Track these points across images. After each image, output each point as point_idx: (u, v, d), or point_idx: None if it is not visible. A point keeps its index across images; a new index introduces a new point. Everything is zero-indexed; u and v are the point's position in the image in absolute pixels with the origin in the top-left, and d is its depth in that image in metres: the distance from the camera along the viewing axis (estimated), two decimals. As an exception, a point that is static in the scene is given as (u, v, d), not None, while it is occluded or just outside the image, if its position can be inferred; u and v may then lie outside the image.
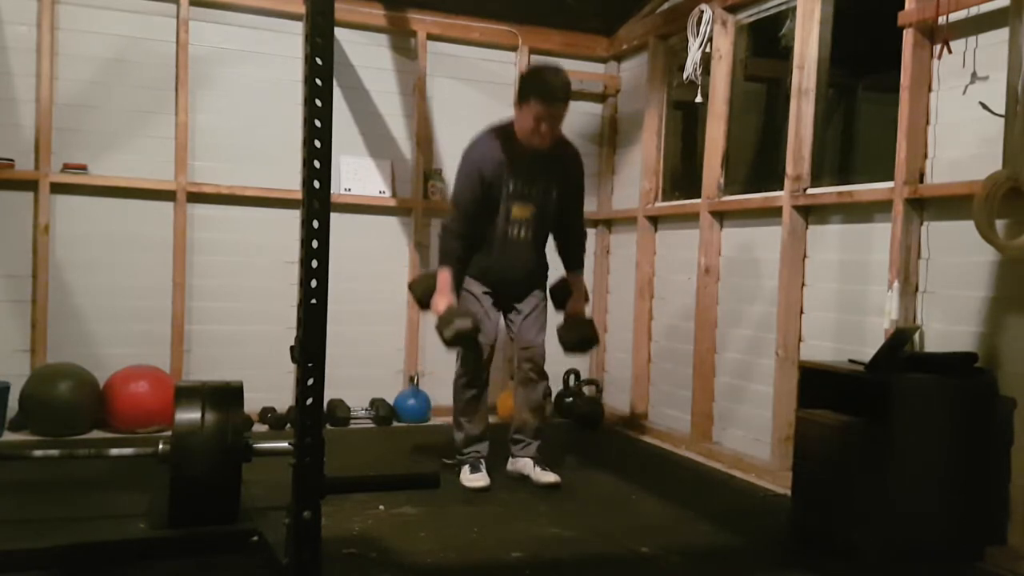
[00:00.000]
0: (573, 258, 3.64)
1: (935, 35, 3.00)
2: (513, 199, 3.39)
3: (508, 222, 3.41)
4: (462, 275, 3.46)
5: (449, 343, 3.33)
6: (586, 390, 4.98)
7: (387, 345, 4.84)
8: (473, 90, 4.99)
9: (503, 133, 3.39)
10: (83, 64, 4.24)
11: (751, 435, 3.91)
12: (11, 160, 4.07)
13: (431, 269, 3.58)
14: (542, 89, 3.23)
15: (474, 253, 3.45)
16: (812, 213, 3.65)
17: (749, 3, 4.08)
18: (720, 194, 4.19)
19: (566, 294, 3.60)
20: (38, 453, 2.89)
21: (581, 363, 5.20)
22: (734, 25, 4.17)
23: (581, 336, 3.57)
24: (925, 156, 3.08)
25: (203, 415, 2.67)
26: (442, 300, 3.34)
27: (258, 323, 4.54)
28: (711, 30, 4.19)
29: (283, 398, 4.37)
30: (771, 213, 3.80)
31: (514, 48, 5.03)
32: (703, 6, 4.21)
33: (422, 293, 3.50)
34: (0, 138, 4.08)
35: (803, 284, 3.67)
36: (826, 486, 2.87)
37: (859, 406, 2.83)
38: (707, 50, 4.22)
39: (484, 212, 3.38)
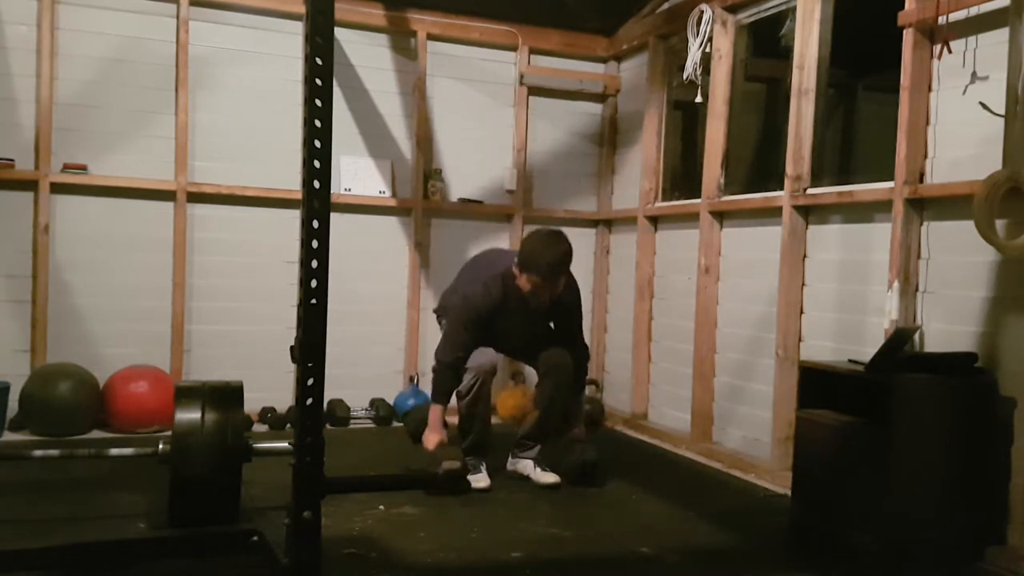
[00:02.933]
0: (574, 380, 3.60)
1: (935, 35, 3.00)
2: (510, 333, 3.48)
3: (506, 343, 3.52)
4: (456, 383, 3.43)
5: (438, 484, 3.28)
6: (586, 390, 4.98)
7: (387, 345, 4.84)
8: (473, 90, 4.99)
9: (504, 284, 3.40)
10: (83, 64, 4.23)
11: (751, 435, 3.91)
12: (11, 160, 4.07)
13: (423, 404, 3.64)
14: (541, 267, 3.24)
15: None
16: (812, 213, 3.65)
17: (749, 3, 4.08)
18: (720, 194, 4.19)
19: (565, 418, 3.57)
20: (38, 453, 2.89)
21: (581, 363, 5.21)
22: (734, 25, 4.17)
23: (584, 461, 3.47)
24: (925, 156, 3.08)
25: (203, 415, 2.67)
26: (432, 436, 3.36)
27: (258, 323, 4.54)
28: (711, 30, 4.19)
29: (283, 398, 4.37)
30: (771, 213, 3.80)
31: (514, 48, 5.03)
32: (703, 6, 4.21)
33: (415, 427, 3.59)
34: (0, 138, 4.09)
35: (803, 284, 3.67)
36: (826, 486, 2.87)
37: (859, 406, 2.84)
38: (707, 50, 4.22)
39: (476, 344, 3.43)
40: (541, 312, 3.45)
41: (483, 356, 3.42)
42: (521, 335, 3.51)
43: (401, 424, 4.63)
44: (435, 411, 3.40)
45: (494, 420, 3.86)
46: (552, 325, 3.57)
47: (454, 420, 3.51)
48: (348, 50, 4.68)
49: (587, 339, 5.18)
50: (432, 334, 4.88)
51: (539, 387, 3.57)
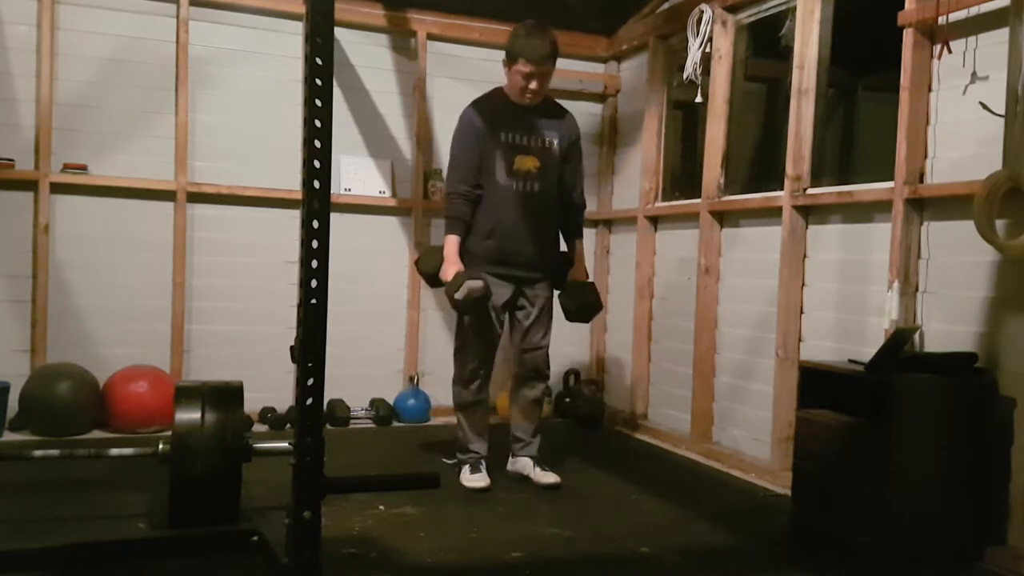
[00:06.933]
0: (573, 226, 3.62)
1: (935, 35, 3.00)
2: (513, 150, 3.38)
3: (512, 175, 3.38)
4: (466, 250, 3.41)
5: (461, 305, 3.27)
6: (586, 390, 4.98)
7: (387, 345, 4.84)
8: (473, 90, 4.91)
9: (492, 95, 3.47)
10: (83, 64, 4.23)
11: (751, 435, 3.91)
12: (11, 160, 4.07)
13: (435, 244, 3.55)
14: (529, 49, 3.28)
15: (477, 224, 3.39)
16: (812, 213, 3.65)
17: (749, 3, 4.08)
18: (720, 194, 4.19)
19: (568, 263, 3.58)
20: (38, 453, 2.88)
21: (581, 363, 5.21)
22: (734, 25, 4.17)
23: (583, 301, 3.52)
24: (925, 156, 3.08)
25: (203, 415, 2.66)
26: (451, 267, 3.32)
27: (258, 323, 4.54)
28: (711, 30, 4.19)
29: (283, 398, 4.37)
30: (771, 213, 3.80)
31: (514, 48, 5.02)
32: (703, 6, 4.21)
33: (429, 266, 3.44)
34: (0, 138, 4.09)
35: (803, 284, 3.67)
36: (826, 486, 2.87)
37: (859, 406, 2.84)
38: (707, 50, 4.22)
39: (484, 169, 3.37)
40: (543, 126, 3.42)
41: (482, 342, 3.42)
42: (528, 150, 3.39)
43: (402, 424, 4.65)
44: (450, 242, 3.36)
45: (494, 420, 3.86)
46: (559, 165, 3.48)
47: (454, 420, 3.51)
48: (348, 50, 4.69)
49: (587, 339, 5.25)
50: (432, 334, 4.91)
51: (517, 391, 3.58)
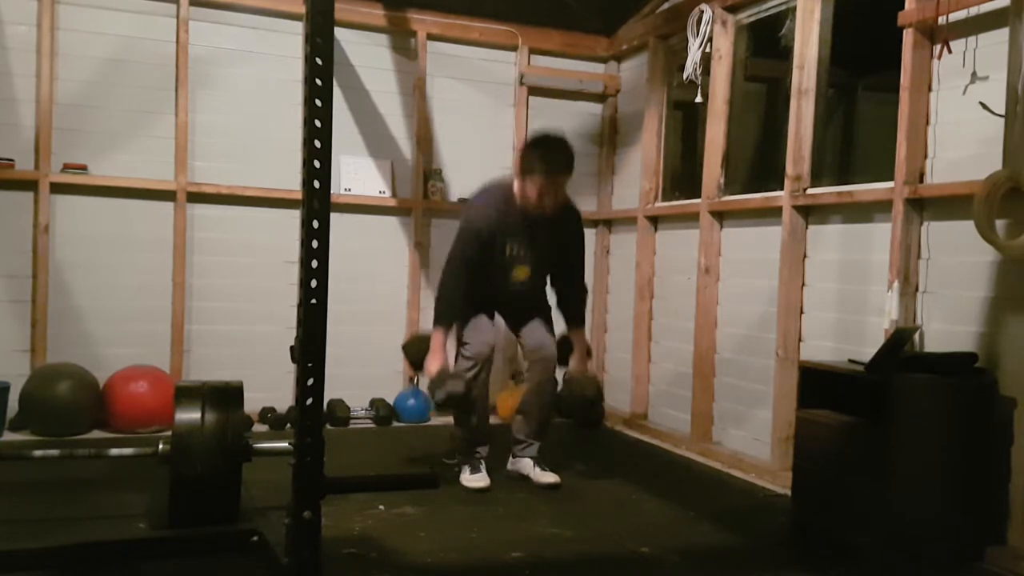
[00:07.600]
0: (574, 314, 3.60)
1: (935, 35, 3.00)
2: (512, 262, 3.40)
3: (506, 279, 3.43)
4: (460, 322, 3.44)
5: (440, 406, 3.36)
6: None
7: (387, 345, 4.83)
8: (473, 90, 4.99)
9: (503, 195, 3.38)
10: (83, 64, 4.24)
11: (751, 435, 3.91)
12: (11, 160, 4.07)
13: (423, 331, 3.59)
14: (545, 164, 3.21)
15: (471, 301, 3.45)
16: (812, 213, 3.65)
17: (749, 3, 4.08)
18: (720, 194, 4.19)
19: (568, 351, 3.57)
20: (38, 453, 2.88)
21: (581, 363, 5.21)
22: (734, 25, 4.17)
23: (583, 397, 3.47)
24: (925, 156, 3.08)
25: (203, 415, 2.66)
26: (435, 362, 3.34)
27: (258, 323, 4.54)
28: (711, 30, 4.19)
29: (283, 398, 4.37)
30: (771, 213, 3.80)
31: (514, 48, 5.03)
32: (703, 6, 4.21)
33: (415, 355, 3.53)
34: (0, 138, 4.09)
35: (803, 284, 3.67)
36: (826, 486, 2.87)
37: (859, 406, 2.84)
38: (707, 50, 4.22)
39: (481, 270, 3.38)
40: (545, 233, 3.40)
41: (481, 338, 3.40)
42: (525, 260, 3.41)
43: (402, 424, 4.65)
44: (437, 336, 3.37)
45: (494, 420, 3.86)
46: (556, 261, 3.49)
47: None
48: (348, 50, 4.69)
49: (587, 339, 5.23)
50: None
51: (527, 383, 3.58)
